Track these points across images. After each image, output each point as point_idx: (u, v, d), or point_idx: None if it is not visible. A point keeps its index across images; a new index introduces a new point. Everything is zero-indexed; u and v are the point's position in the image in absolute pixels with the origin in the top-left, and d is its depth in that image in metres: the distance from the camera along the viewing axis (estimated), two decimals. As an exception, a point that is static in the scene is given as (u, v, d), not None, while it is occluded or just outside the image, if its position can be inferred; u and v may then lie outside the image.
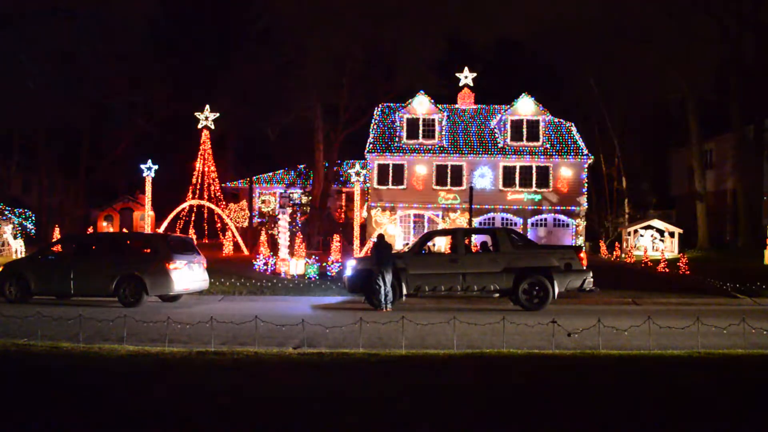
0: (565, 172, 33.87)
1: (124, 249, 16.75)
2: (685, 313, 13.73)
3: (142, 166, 29.53)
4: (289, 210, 30.41)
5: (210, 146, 37.98)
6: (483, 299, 15.99)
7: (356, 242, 25.22)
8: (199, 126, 37.50)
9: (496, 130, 35.06)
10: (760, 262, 24.67)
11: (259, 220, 39.43)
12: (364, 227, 32.72)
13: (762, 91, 32.76)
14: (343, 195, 41.28)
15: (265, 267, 22.02)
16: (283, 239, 22.70)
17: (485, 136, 35.05)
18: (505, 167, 34.06)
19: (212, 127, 37.64)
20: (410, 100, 34.96)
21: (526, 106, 34.30)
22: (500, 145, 34.21)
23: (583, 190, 34.02)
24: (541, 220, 34.27)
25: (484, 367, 8.59)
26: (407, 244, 32.01)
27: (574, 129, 34.98)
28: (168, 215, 32.52)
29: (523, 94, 34.60)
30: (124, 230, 42.70)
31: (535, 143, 34.00)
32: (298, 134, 37.94)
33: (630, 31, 37.05)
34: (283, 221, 23.60)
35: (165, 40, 45.45)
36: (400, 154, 34.11)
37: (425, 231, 31.73)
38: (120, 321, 10.60)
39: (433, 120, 34.47)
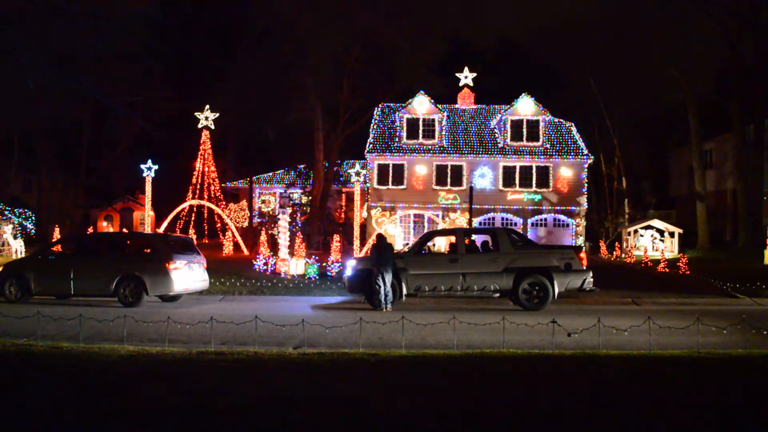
0: (565, 172, 33.87)
1: (124, 249, 16.77)
2: (685, 313, 13.74)
3: (142, 166, 29.56)
4: (289, 210, 30.41)
5: (210, 146, 38.05)
6: (483, 299, 16.00)
7: (356, 242, 25.23)
8: (199, 126, 37.57)
9: (496, 130, 35.06)
10: (760, 262, 24.68)
11: (259, 220, 39.41)
12: (364, 227, 32.72)
13: (762, 91, 32.77)
14: (343, 195, 41.28)
15: (265, 267, 22.03)
16: (283, 239, 22.71)
17: (485, 136, 35.05)
18: (505, 167, 34.07)
19: (212, 127, 37.71)
20: (410, 100, 34.95)
21: (526, 106, 34.30)
22: (500, 145, 34.21)
23: (583, 190, 34.02)
24: (541, 220, 34.26)
25: (484, 367, 8.59)
26: (407, 244, 32.02)
27: (574, 129, 34.98)
28: (168, 215, 32.54)
29: (523, 94, 34.60)
30: (124, 230, 42.69)
31: (535, 143, 34.00)
32: (298, 134, 37.89)
33: (630, 31, 37.02)
34: (283, 221, 23.61)
35: (165, 41, 45.45)
36: (400, 154, 34.11)
37: (425, 231, 31.73)
38: (120, 321, 10.61)
39: (433, 120, 34.47)
